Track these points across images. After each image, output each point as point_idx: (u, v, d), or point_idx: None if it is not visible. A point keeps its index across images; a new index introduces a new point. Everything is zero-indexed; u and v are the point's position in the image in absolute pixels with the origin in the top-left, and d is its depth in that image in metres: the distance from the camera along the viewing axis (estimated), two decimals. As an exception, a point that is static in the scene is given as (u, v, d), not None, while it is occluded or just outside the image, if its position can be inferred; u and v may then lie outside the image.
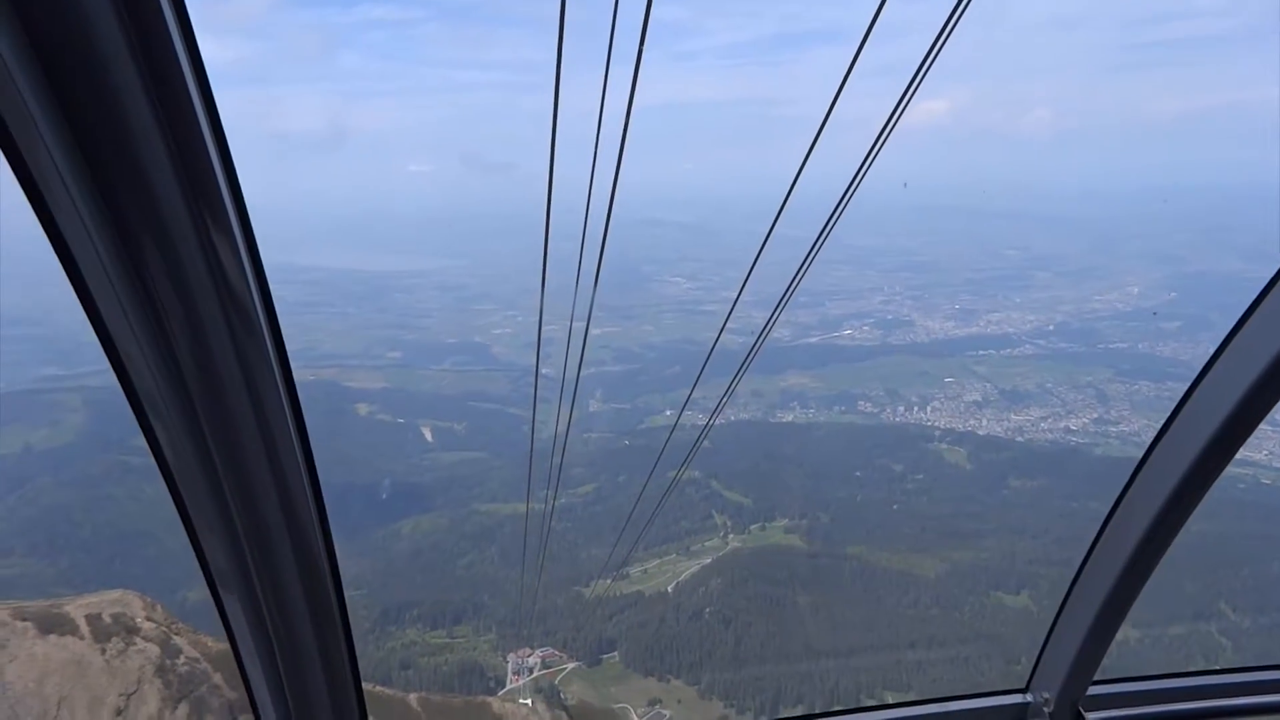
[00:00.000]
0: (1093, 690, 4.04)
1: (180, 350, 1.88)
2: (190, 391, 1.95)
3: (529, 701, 51.39)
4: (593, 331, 7.60)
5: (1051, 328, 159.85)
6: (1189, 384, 3.48)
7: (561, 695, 61.91)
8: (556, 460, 12.38)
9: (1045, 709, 4.06)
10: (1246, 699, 4.09)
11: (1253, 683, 4.13)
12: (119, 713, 27.20)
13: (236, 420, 2.06)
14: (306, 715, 2.79)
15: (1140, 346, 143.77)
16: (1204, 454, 3.20)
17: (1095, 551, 3.70)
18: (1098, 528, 3.80)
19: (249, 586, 2.44)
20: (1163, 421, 3.58)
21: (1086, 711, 4.03)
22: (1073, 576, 3.88)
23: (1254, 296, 3.19)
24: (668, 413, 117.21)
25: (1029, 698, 4.14)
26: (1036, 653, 4.21)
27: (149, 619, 30.91)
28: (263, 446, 2.13)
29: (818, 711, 4.00)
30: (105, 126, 1.51)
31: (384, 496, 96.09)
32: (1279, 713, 4.12)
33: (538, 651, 74.97)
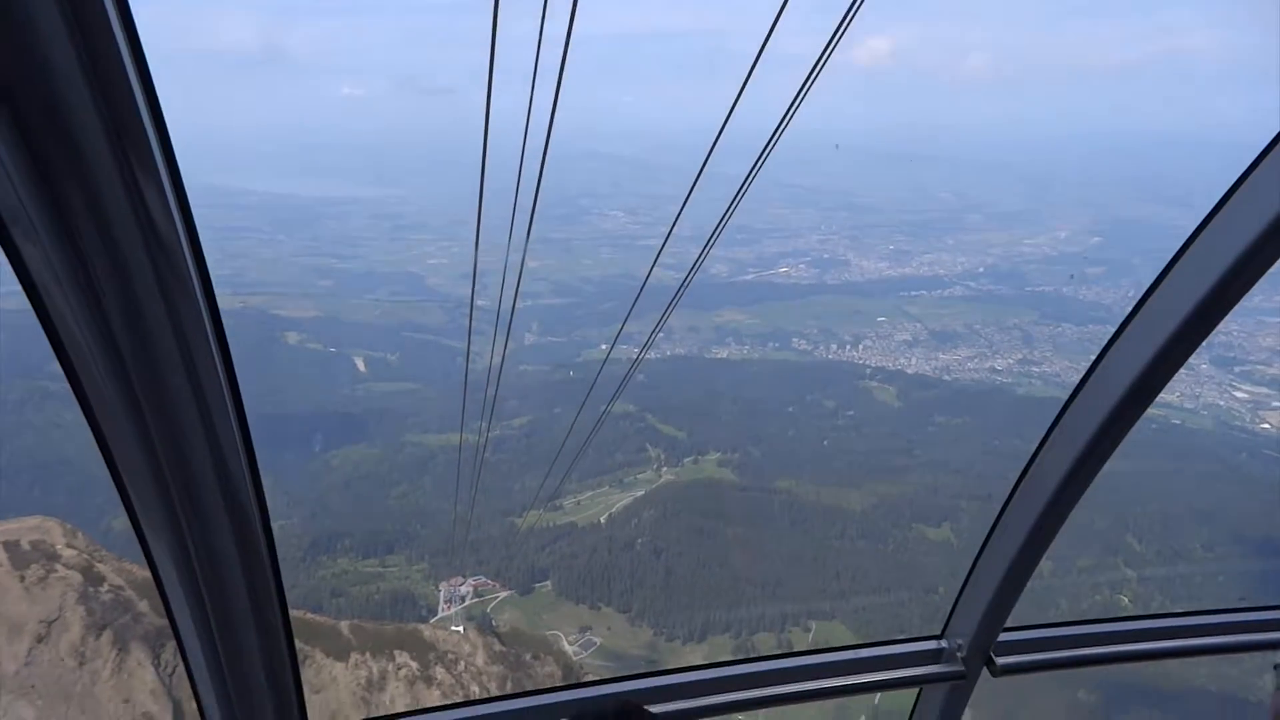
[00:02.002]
0: (1004, 636, 4.21)
1: (103, 288, 1.80)
2: (114, 331, 1.88)
3: (460, 629, 51.84)
4: (530, 264, 7.51)
5: (981, 270, 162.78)
6: (1111, 332, 3.59)
7: (493, 622, 62.62)
8: (491, 392, 12.30)
9: (959, 654, 4.22)
10: (1150, 644, 4.29)
11: (1156, 629, 4.34)
12: (40, 639, 26.81)
13: (161, 360, 1.98)
14: (235, 651, 2.76)
15: (1065, 290, 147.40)
16: (1117, 409, 3.32)
17: (1010, 504, 3.84)
18: (1017, 474, 3.93)
19: (176, 529, 2.38)
20: (1083, 371, 3.69)
21: (997, 656, 4.19)
22: (989, 527, 4.02)
23: (1178, 245, 3.28)
24: (603, 346, 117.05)
25: (944, 643, 4.31)
26: (953, 599, 4.36)
27: (70, 546, 30.38)
28: (188, 384, 2.06)
29: (749, 657, 4.09)
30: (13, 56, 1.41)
31: (316, 449, 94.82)
32: (1180, 656, 4.32)
33: (470, 580, 75.54)
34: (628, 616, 73.65)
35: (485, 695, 41.76)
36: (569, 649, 65.84)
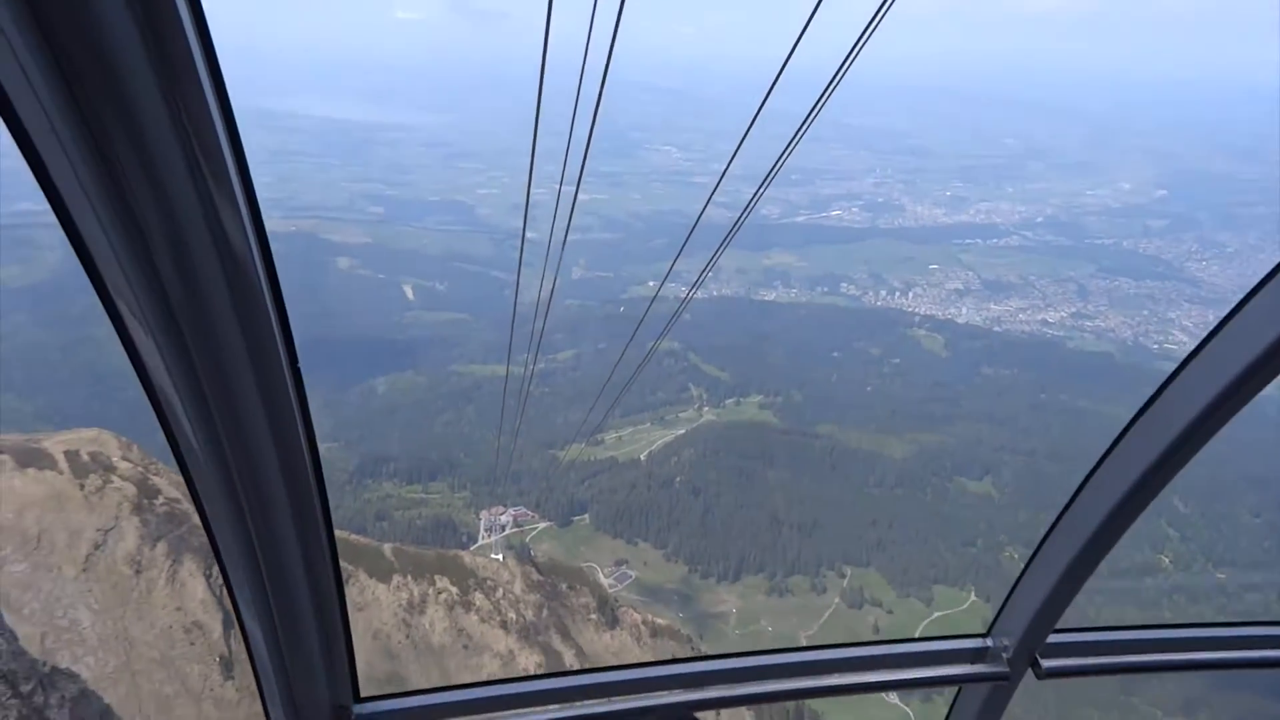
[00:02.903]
0: (1052, 638, 4.14)
1: (145, 214, 1.76)
2: (155, 254, 1.85)
3: (500, 556, 52.88)
4: (581, 197, 7.41)
5: (1040, 220, 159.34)
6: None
7: (531, 552, 63.72)
8: (538, 325, 12.30)
9: (1004, 654, 4.16)
10: (1202, 654, 4.19)
11: (1209, 639, 4.24)
12: (97, 547, 27.80)
13: (211, 300, 1.96)
14: (279, 571, 2.79)
15: (1125, 244, 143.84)
16: (1208, 409, 3.14)
17: (1073, 505, 3.69)
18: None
19: (225, 472, 2.38)
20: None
21: (1043, 659, 4.12)
22: (1048, 527, 3.90)
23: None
24: (650, 283, 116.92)
25: (989, 642, 4.23)
26: (1005, 594, 4.28)
27: (125, 458, 31.25)
28: (237, 322, 2.03)
29: (786, 647, 4.06)
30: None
31: (363, 375, 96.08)
32: (1233, 668, 4.22)
33: (510, 510, 76.87)
34: (664, 552, 74.59)
35: (521, 623, 42.73)
36: (605, 581, 66.93)
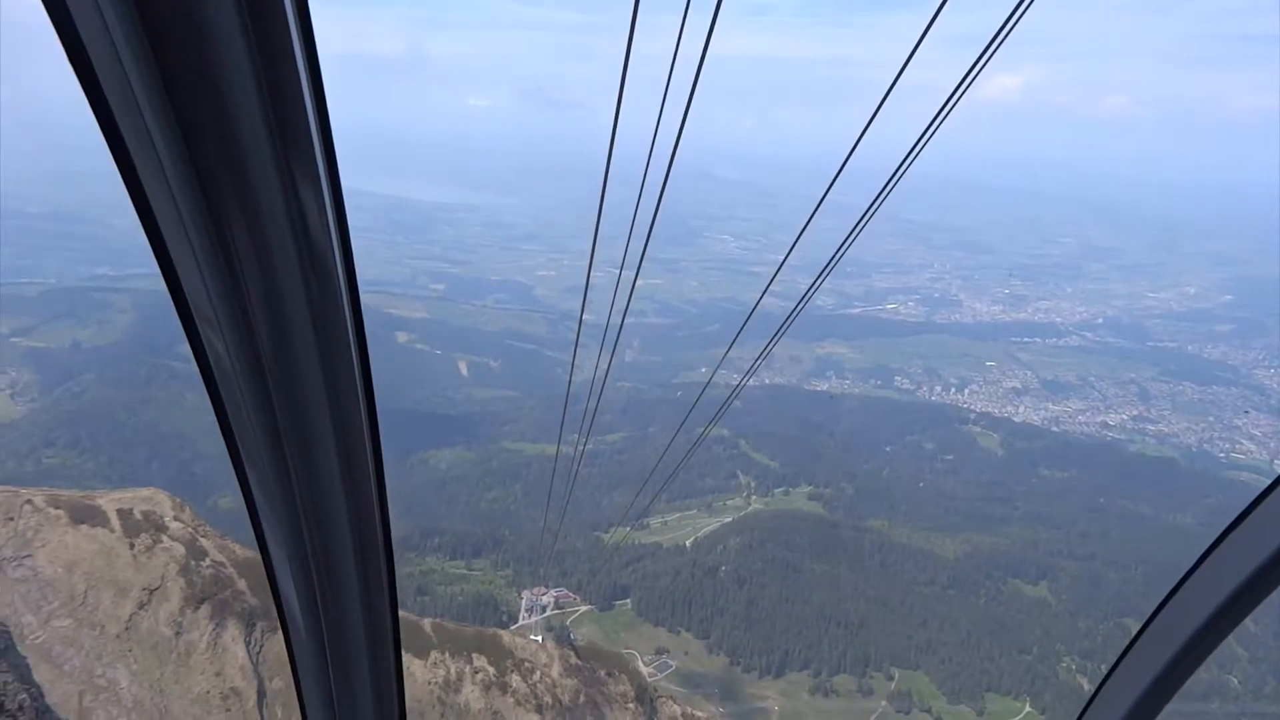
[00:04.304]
0: None
1: (245, 274, 1.81)
2: (251, 312, 1.89)
3: (539, 638, 52.17)
4: (638, 282, 7.52)
5: (1101, 321, 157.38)
6: (1266, 450, 3.28)
7: (571, 635, 62.81)
8: (590, 405, 12.35)
9: None
10: None
11: None
12: (142, 606, 28.02)
13: (295, 342, 1.99)
14: (339, 637, 2.76)
15: (1189, 348, 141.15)
16: None
17: (1153, 625, 3.52)
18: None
19: (292, 513, 2.39)
20: (1226, 492, 3.39)
21: None
22: (1125, 646, 3.71)
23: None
24: (703, 370, 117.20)
25: None
26: (1061, 706, 4.07)
27: (177, 519, 31.68)
28: (320, 368, 2.06)
29: None
30: (187, 49, 1.42)
31: (415, 448, 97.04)
32: None
33: (552, 591, 76.08)
34: (706, 643, 72.98)
35: (557, 707, 41.90)
36: (644, 669, 65.52)
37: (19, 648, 22.84)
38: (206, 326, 1.85)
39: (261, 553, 2.47)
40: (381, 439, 2.34)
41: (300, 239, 1.74)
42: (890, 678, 70.45)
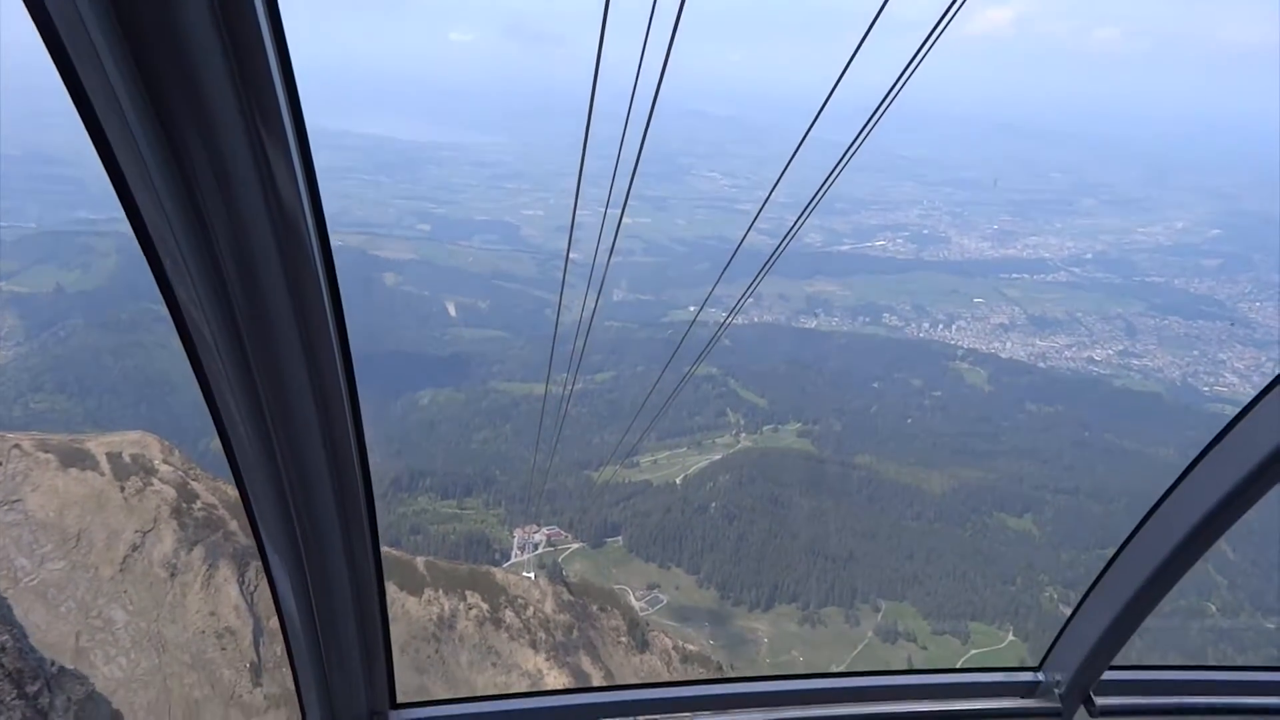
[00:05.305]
0: (1107, 675, 3.99)
1: (216, 230, 1.77)
2: (220, 258, 1.85)
3: (532, 575, 52.85)
4: (625, 220, 7.40)
5: (1089, 256, 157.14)
6: (1250, 384, 3.26)
7: (564, 572, 63.58)
8: (579, 345, 12.29)
9: (1056, 690, 4.01)
10: (1260, 698, 4.04)
11: (1268, 683, 4.09)
12: (135, 549, 28.18)
13: (267, 289, 1.95)
14: (324, 592, 2.76)
15: (1176, 282, 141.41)
16: (1266, 461, 2.99)
17: (1134, 541, 3.56)
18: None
19: (274, 471, 2.36)
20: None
21: (1097, 696, 3.97)
22: (1106, 561, 3.75)
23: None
24: (691, 308, 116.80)
25: (1041, 676, 4.08)
26: (1056, 631, 4.13)
27: (166, 462, 31.73)
28: (294, 316, 2.02)
29: (829, 672, 3.96)
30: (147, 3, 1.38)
31: (404, 389, 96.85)
32: None
33: (544, 529, 76.87)
34: (696, 578, 74.05)
35: (550, 642, 42.58)
36: (636, 604, 66.55)
37: (13, 590, 23.04)
38: (177, 276, 1.81)
39: (242, 499, 2.45)
40: (357, 379, 2.30)
41: (268, 187, 1.70)
42: (877, 609, 71.73)
